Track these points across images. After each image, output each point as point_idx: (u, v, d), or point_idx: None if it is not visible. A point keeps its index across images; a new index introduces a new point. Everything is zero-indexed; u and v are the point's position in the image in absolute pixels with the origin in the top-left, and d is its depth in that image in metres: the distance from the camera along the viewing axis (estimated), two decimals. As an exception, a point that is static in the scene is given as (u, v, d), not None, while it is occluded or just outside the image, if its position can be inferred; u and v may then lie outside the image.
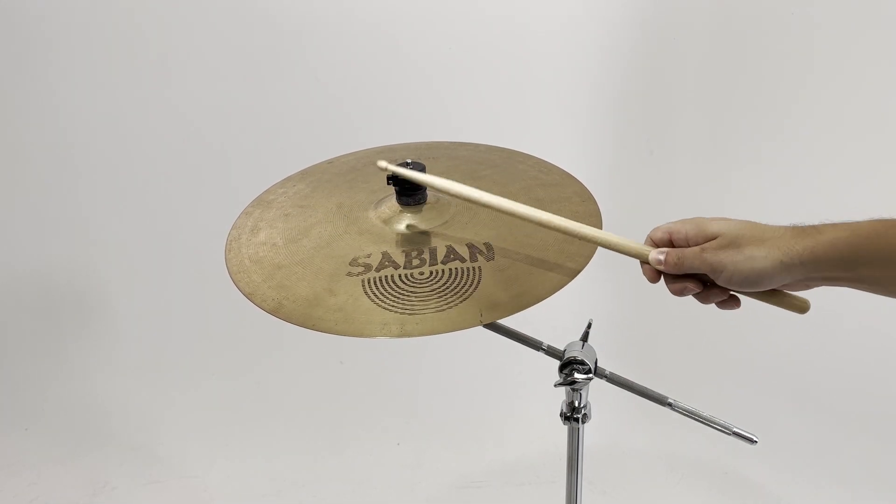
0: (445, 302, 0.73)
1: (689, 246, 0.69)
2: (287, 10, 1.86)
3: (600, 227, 0.77)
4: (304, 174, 1.02)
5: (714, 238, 0.68)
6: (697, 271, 0.68)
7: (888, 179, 1.72)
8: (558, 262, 0.78)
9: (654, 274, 0.71)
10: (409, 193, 0.86)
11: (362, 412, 1.90)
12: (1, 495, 1.72)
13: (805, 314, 0.68)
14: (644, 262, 0.71)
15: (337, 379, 1.97)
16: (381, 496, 1.68)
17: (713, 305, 0.71)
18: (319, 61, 1.91)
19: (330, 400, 1.94)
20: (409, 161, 0.87)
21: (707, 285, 0.70)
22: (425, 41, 1.87)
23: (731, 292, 0.70)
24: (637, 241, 0.72)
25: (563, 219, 0.74)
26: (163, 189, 2.03)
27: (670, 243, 0.71)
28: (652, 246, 0.72)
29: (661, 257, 0.69)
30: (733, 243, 0.66)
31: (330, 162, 1.05)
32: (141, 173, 2.03)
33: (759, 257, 0.65)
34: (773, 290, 0.68)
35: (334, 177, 1.00)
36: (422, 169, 0.86)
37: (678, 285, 0.70)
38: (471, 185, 0.79)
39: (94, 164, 2.03)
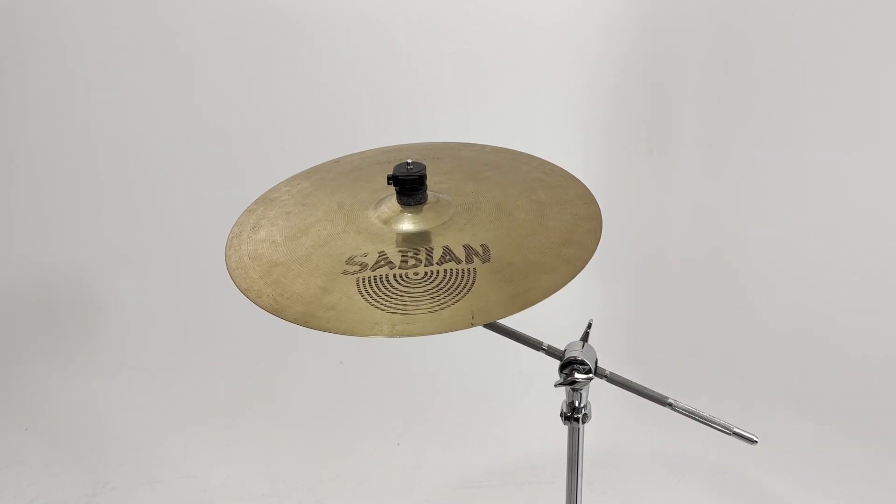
0: (438, 303, 0.73)
1: None
2: (294, 11, 1.86)
3: (600, 230, 0.77)
4: (309, 173, 1.02)
5: None
6: None
7: (889, 179, 1.72)
8: (555, 266, 0.78)
9: None
10: (410, 193, 0.86)
11: (362, 412, 1.89)
12: (1, 495, 1.72)
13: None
14: None
15: (337, 379, 1.97)
16: (381, 496, 1.67)
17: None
18: (328, 62, 1.91)
19: (330, 400, 1.94)
20: (409, 161, 0.87)
21: None
22: (433, 41, 1.87)
23: None
24: None
25: None
26: (167, 190, 2.03)
27: None
28: None
29: None
30: None
31: (336, 161, 1.05)
32: (146, 174, 2.02)
33: None
34: None
35: (338, 176, 1.00)
36: (422, 169, 0.86)
37: None
38: (472, 185, 0.79)
39: (98, 163, 2.03)
